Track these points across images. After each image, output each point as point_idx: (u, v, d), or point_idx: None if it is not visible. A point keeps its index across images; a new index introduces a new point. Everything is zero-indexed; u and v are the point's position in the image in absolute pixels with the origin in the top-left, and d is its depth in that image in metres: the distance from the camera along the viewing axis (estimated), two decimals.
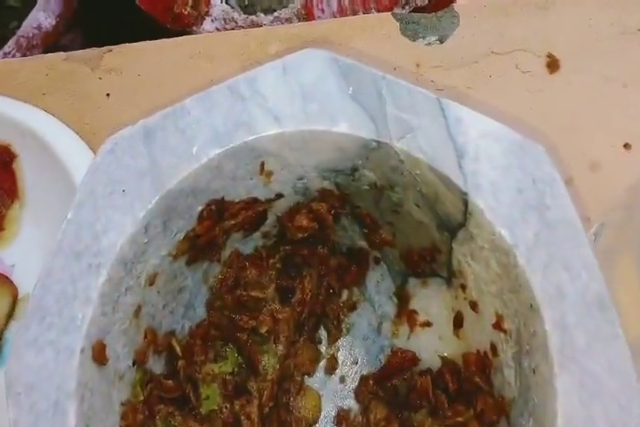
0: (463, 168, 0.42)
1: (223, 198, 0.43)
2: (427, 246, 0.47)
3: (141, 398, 0.41)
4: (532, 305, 0.40)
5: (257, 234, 0.48)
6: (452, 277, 0.47)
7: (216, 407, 0.46)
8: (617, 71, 0.55)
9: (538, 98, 0.55)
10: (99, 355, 0.38)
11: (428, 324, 0.50)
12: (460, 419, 0.46)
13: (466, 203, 0.42)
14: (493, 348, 0.44)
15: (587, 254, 0.41)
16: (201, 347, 0.45)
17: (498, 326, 0.43)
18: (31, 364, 0.37)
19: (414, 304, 0.51)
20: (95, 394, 0.38)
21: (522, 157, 0.42)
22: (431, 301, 0.50)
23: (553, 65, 0.56)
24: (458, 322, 0.48)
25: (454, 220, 0.43)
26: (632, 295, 0.45)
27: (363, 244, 0.50)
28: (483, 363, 0.45)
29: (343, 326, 0.52)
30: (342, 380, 0.51)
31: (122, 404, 0.40)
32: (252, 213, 0.45)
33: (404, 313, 0.51)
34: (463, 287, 0.46)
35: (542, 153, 0.42)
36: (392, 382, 0.49)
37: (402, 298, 0.51)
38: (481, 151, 0.42)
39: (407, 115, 0.42)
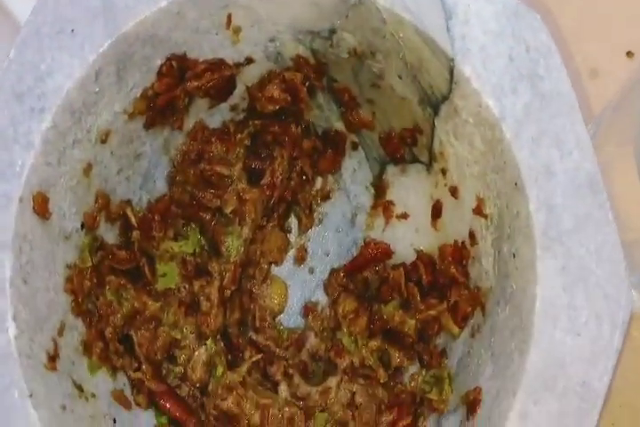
0: (451, 31, 0.38)
1: (185, 54, 0.40)
2: (408, 127, 0.43)
3: (89, 264, 0.38)
4: (516, 184, 0.37)
5: (224, 106, 0.44)
6: (432, 161, 0.43)
7: (173, 286, 0.43)
8: None
9: None
10: (40, 207, 0.35)
11: (404, 216, 0.47)
12: (432, 312, 0.43)
13: (452, 70, 0.38)
14: (472, 236, 0.41)
15: (580, 132, 0.37)
16: (160, 223, 0.42)
17: (478, 210, 0.40)
18: None
19: (391, 195, 0.47)
20: (35, 249, 0.35)
21: (516, 23, 0.38)
22: (409, 190, 0.46)
23: None
24: (436, 212, 0.44)
25: (438, 92, 0.40)
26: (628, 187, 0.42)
27: (340, 126, 0.47)
28: (460, 253, 0.42)
29: (315, 215, 0.49)
30: (311, 271, 0.48)
31: (67, 266, 0.37)
32: (219, 76, 0.41)
33: (381, 204, 0.48)
34: (444, 172, 0.43)
35: (538, 20, 0.39)
36: (363, 275, 0.46)
37: (379, 188, 0.48)
38: (472, 13, 0.38)
39: None
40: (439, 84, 0.39)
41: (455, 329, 0.41)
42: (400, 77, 0.41)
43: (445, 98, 0.39)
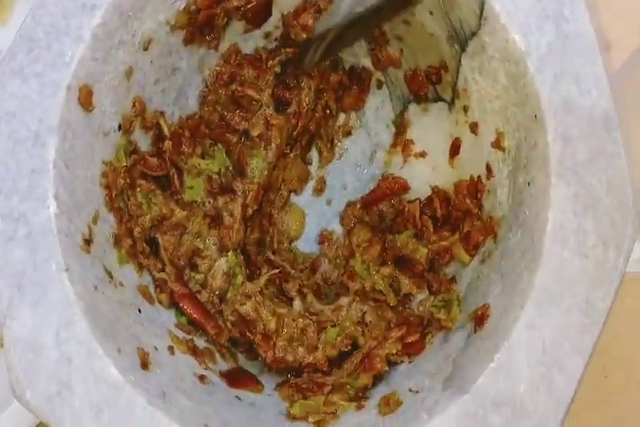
0: None
1: None
2: (434, 64, 0.46)
3: (124, 164, 0.40)
4: (536, 116, 0.39)
5: (258, 33, 0.46)
6: (455, 98, 0.45)
7: (199, 200, 0.45)
8: None
9: None
10: (85, 99, 0.37)
11: (422, 154, 0.49)
12: (444, 243, 0.45)
13: (482, 6, 0.40)
14: (489, 169, 0.43)
15: (599, 73, 0.40)
16: (189, 139, 0.44)
17: (497, 144, 0.42)
18: (15, 93, 0.36)
19: (411, 134, 0.50)
20: (78, 138, 0.37)
21: None
22: (429, 129, 0.49)
23: None
24: (455, 149, 0.47)
25: (467, 28, 0.42)
26: None
27: (367, 62, 0.49)
28: (475, 187, 0.45)
29: (336, 150, 0.51)
30: (329, 203, 0.50)
31: (104, 162, 0.40)
32: (257, 1, 0.43)
33: (400, 143, 0.50)
34: (465, 109, 0.45)
35: None
36: (379, 208, 0.49)
37: (400, 127, 0.50)
38: None
39: None
40: (469, 20, 0.41)
41: (466, 258, 0.44)
42: (431, 13, 0.43)
43: (474, 34, 0.41)
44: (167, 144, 0.43)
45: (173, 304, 0.42)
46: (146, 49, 0.41)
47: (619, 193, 0.38)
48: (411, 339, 0.42)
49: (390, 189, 0.48)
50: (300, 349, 0.43)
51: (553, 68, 0.39)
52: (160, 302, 0.42)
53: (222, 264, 0.43)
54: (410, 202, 0.48)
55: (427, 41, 0.45)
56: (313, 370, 0.43)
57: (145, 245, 0.42)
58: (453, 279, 0.45)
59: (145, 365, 0.37)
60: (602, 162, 0.38)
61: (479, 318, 0.39)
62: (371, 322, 0.44)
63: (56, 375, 0.35)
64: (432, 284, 0.45)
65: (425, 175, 0.49)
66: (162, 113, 0.44)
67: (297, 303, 0.44)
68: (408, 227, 0.46)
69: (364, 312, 0.44)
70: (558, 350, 0.36)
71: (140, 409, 0.35)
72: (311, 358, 0.42)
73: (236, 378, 0.41)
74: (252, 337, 0.43)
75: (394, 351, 0.43)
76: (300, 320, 0.43)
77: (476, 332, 0.39)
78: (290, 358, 0.43)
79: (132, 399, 0.35)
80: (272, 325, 0.43)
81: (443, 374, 0.39)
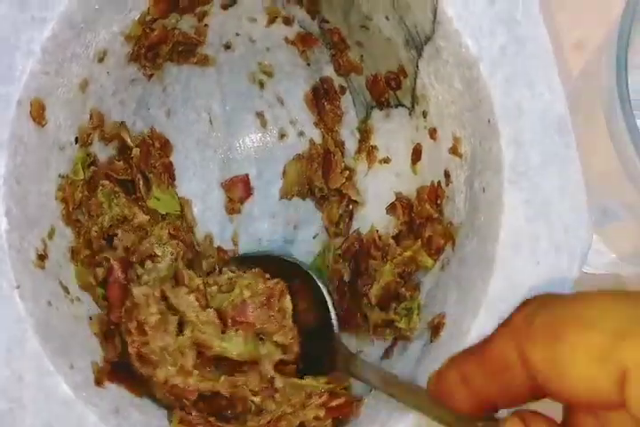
0: None
1: None
2: (393, 70, 0.46)
3: (81, 177, 0.41)
4: (489, 121, 0.40)
5: None
6: (414, 104, 0.46)
7: (163, 213, 0.45)
8: None
9: None
10: (37, 113, 0.37)
11: (387, 160, 0.50)
12: (407, 253, 0.46)
13: (435, 10, 0.41)
14: (447, 175, 0.44)
15: (552, 75, 0.40)
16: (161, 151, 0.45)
17: (454, 150, 0.43)
18: None
19: (375, 140, 0.50)
20: (30, 153, 0.38)
21: None
22: (392, 135, 0.49)
23: None
24: (416, 155, 0.47)
25: (422, 32, 0.42)
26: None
27: (329, 69, 0.49)
28: (435, 193, 0.45)
29: None
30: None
31: (60, 176, 0.40)
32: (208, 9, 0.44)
33: (365, 149, 0.50)
34: (424, 115, 0.45)
35: None
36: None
37: (364, 133, 0.50)
38: None
39: None
40: (423, 25, 0.42)
41: (429, 261, 0.44)
42: (387, 18, 0.44)
43: (428, 38, 0.42)
44: (135, 151, 0.43)
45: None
46: (101, 61, 0.41)
47: (572, 197, 0.39)
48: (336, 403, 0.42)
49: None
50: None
51: (505, 73, 0.40)
52: None
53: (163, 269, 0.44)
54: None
55: (385, 46, 0.45)
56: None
57: (103, 241, 0.42)
58: (417, 286, 0.45)
59: (99, 380, 0.38)
60: (555, 166, 0.39)
61: (435, 328, 0.40)
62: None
63: (7, 392, 0.35)
64: (400, 292, 0.46)
65: (389, 181, 0.49)
66: (122, 123, 0.44)
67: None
68: (374, 255, 0.47)
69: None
70: None
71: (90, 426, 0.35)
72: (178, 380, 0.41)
73: None
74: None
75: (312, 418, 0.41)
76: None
77: (432, 342, 0.39)
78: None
79: (84, 417, 0.35)
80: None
81: None
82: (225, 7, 0.46)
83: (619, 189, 0.42)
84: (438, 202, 0.45)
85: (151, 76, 0.45)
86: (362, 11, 0.45)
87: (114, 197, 0.43)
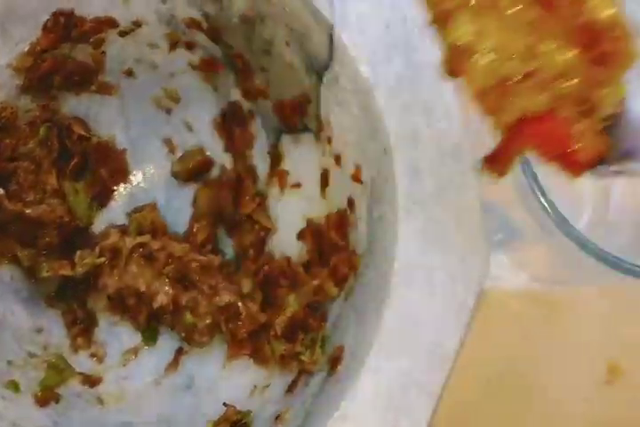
0: None
1: (73, 11, 0.42)
2: (297, 95, 0.46)
3: None
4: (385, 149, 0.40)
5: None
6: (320, 129, 0.46)
7: None
8: None
9: None
10: None
11: (298, 185, 0.50)
12: (316, 282, 0.45)
13: (331, 37, 0.41)
14: (351, 203, 0.44)
15: (449, 102, 0.40)
16: None
17: (356, 177, 0.43)
18: None
19: (286, 164, 0.50)
20: None
21: None
22: (302, 160, 0.49)
23: None
24: (324, 181, 0.47)
25: (321, 59, 0.42)
26: None
27: (237, 94, 0.49)
28: (341, 220, 0.45)
29: None
30: None
31: None
32: (104, 36, 0.44)
33: (276, 173, 0.50)
34: (329, 140, 0.45)
35: None
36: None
37: (275, 157, 0.50)
38: None
39: None
40: (322, 52, 0.42)
41: (335, 291, 0.44)
42: (288, 44, 0.44)
43: (327, 65, 0.42)
44: None
45: None
46: None
47: (468, 225, 0.39)
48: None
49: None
50: None
51: (402, 100, 0.40)
52: None
53: None
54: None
55: (288, 71, 0.45)
56: None
57: None
58: (324, 316, 0.45)
59: None
60: (451, 194, 0.39)
61: (334, 361, 0.40)
62: None
63: None
64: (309, 321, 0.45)
65: (301, 207, 0.49)
66: None
67: None
68: (282, 284, 0.46)
69: None
70: (405, 395, 0.37)
71: None
72: None
73: None
74: None
75: None
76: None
77: (330, 375, 0.39)
78: None
79: None
80: None
81: (295, 424, 0.39)
82: (122, 34, 0.45)
83: (522, 212, 0.42)
84: (344, 230, 0.44)
85: (45, 106, 0.44)
86: (263, 36, 0.45)
87: None
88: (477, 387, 0.51)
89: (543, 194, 0.36)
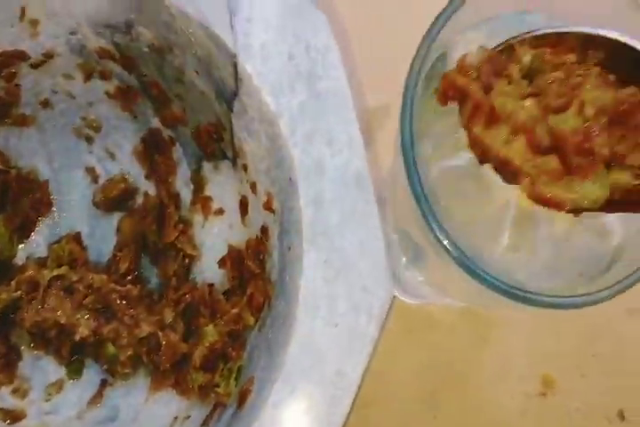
0: (235, 28, 0.41)
1: None
2: (213, 122, 0.46)
3: None
4: (290, 179, 0.40)
5: None
6: (236, 157, 0.46)
7: None
8: None
9: None
10: None
11: (221, 211, 0.50)
12: (235, 310, 0.45)
13: (236, 67, 0.41)
14: (265, 231, 0.44)
15: (353, 131, 0.40)
16: None
17: (268, 206, 0.43)
18: None
19: (209, 191, 0.50)
20: None
21: (299, 22, 0.41)
22: (223, 187, 0.49)
23: None
24: (243, 208, 0.47)
25: (229, 88, 0.43)
26: None
27: (155, 121, 0.50)
28: (257, 248, 0.45)
29: None
30: None
31: None
32: (16, 69, 0.44)
33: (199, 200, 0.50)
34: (245, 168, 0.45)
35: (322, 20, 0.42)
36: None
37: (197, 184, 0.50)
38: (256, 11, 0.41)
39: None
40: (229, 81, 0.42)
41: (251, 320, 0.44)
42: (197, 73, 0.44)
43: (235, 94, 0.42)
44: None
45: None
46: None
47: (371, 255, 0.39)
48: None
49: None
50: None
51: (305, 130, 0.40)
52: None
53: None
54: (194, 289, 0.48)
55: (201, 99, 0.45)
56: None
57: None
58: (243, 345, 0.45)
59: None
60: (354, 223, 0.39)
61: (243, 394, 0.40)
62: None
63: None
64: (227, 350, 0.45)
65: (224, 233, 0.49)
66: None
67: None
68: (203, 313, 0.47)
69: None
70: None
71: None
72: None
73: None
74: None
75: None
76: None
77: (238, 410, 0.39)
78: None
79: None
80: None
81: None
82: (35, 66, 0.46)
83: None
84: (260, 257, 0.45)
85: None
86: (174, 65, 0.45)
87: None
88: (410, 402, 0.51)
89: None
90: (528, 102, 0.30)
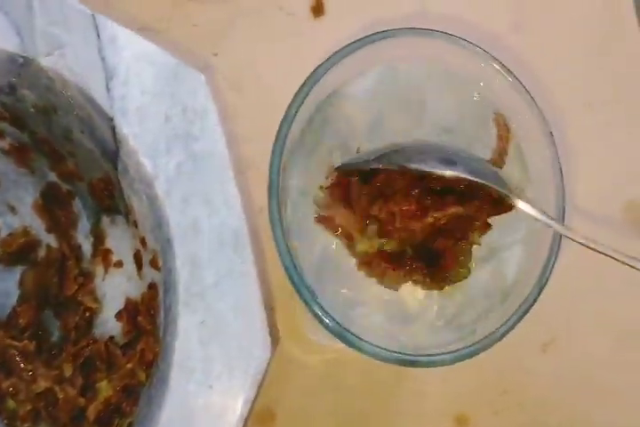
0: (111, 91, 0.42)
1: None
2: (103, 178, 0.47)
3: None
4: (168, 240, 0.41)
5: None
6: (128, 213, 0.47)
7: None
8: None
9: (300, 41, 0.55)
10: None
11: (120, 264, 0.50)
12: (129, 365, 0.46)
13: (114, 129, 0.42)
14: (154, 287, 0.44)
15: (230, 191, 0.41)
16: None
17: (154, 263, 0.43)
18: None
19: (108, 243, 0.51)
20: None
21: (175, 84, 0.42)
22: (120, 240, 0.50)
23: (318, 9, 0.56)
24: (138, 261, 0.48)
25: (111, 148, 0.43)
26: None
27: (53, 176, 0.50)
28: (149, 303, 0.46)
29: None
30: None
31: None
32: None
33: (100, 253, 0.51)
34: (135, 224, 0.46)
35: (201, 82, 0.42)
36: None
37: (97, 237, 0.51)
38: (132, 74, 0.42)
39: (58, 30, 0.42)
40: (110, 141, 0.43)
41: (143, 376, 0.44)
42: (82, 132, 0.45)
43: (117, 155, 0.43)
44: None
45: None
46: None
47: (247, 316, 0.40)
48: None
49: None
50: None
51: (182, 191, 0.40)
52: None
53: None
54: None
55: (90, 157, 0.46)
56: None
57: None
58: (137, 401, 0.45)
59: None
60: (230, 283, 0.40)
61: None
62: None
63: None
64: (123, 409, 0.46)
65: (123, 286, 0.50)
66: None
67: None
68: (99, 368, 0.47)
69: None
70: None
71: None
72: None
73: None
74: None
75: None
76: None
77: None
78: None
79: None
80: None
81: None
82: None
83: None
84: (152, 313, 0.45)
85: None
86: (61, 124, 0.45)
87: None
88: None
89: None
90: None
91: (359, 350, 0.36)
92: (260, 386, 0.40)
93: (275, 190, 0.37)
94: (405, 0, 0.56)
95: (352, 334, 0.36)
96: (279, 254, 0.37)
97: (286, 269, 0.36)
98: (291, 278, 0.35)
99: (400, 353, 0.37)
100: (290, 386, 0.51)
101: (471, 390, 0.55)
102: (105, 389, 0.46)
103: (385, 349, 0.36)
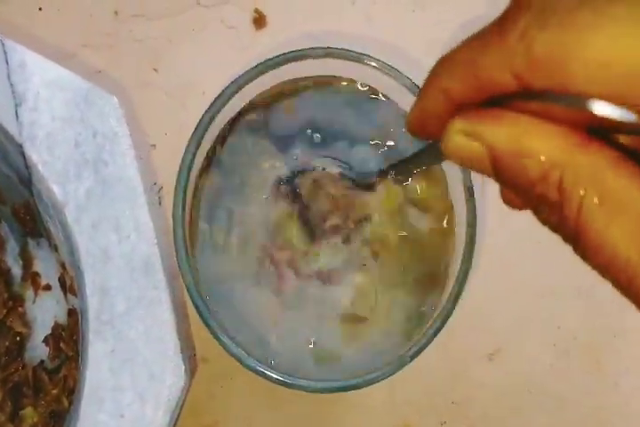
0: (20, 118, 0.42)
1: None
2: (23, 203, 0.47)
3: None
4: (79, 267, 0.41)
5: None
6: (48, 237, 0.47)
7: None
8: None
9: (243, 55, 0.55)
10: None
11: (48, 287, 0.50)
12: (55, 391, 0.46)
13: (23, 155, 0.42)
14: (74, 313, 0.45)
15: (141, 215, 0.41)
16: None
17: (72, 289, 0.44)
18: None
19: (37, 267, 0.51)
20: None
21: (85, 109, 0.42)
22: (47, 263, 0.50)
23: (260, 21, 0.56)
24: (63, 285, 0.48)
25: (24, 175, 0.43)
26: None
27: None
28: (73, 329, 0.46)
29: None
30: None
31: None
32: None
33: (29, 276, 0.51)
34: (56, 249, 0.46)
35: (113, 106, 0.42)
36: None
37: (26, 260, 0.51)
38: (41, 100, 0.42)
39: None
40: (22, 168, 0.43)
41: (66, 403, 0.44)
42: None
43: (29, 181, 0.43)
44: None
45: None
46: None
47: (159, 342, 0.40)
48: None
49: None
50: None
51: (92, 217, 0.41)
52: None
53: None
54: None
55: (8, 182, 0.46)
56: None
57: None
58: None
59: None
60: (141, 310, 0.40)
61: None
62: None
63: None
64: None
65: (52, 310, 0.50)
66: None
67: None
68: (26, 394, 0.47)
69: None
70: None
71: None
72: None
73: None
74: None
75: None
76: None
77: None
78: None
79: None
80: None
81: None
82: None
83: None
84: (74, 338, 0.45)
85: None
86: None
87: None
88: None
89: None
90: None
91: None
92: (176, 413, 0.40)
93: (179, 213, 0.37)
94: (348, 12, 0.56)
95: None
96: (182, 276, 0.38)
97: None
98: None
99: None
100: (231, 402, 0.52)
101: (419, 401, 0.55)
102: (30, 416, 0.46)
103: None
